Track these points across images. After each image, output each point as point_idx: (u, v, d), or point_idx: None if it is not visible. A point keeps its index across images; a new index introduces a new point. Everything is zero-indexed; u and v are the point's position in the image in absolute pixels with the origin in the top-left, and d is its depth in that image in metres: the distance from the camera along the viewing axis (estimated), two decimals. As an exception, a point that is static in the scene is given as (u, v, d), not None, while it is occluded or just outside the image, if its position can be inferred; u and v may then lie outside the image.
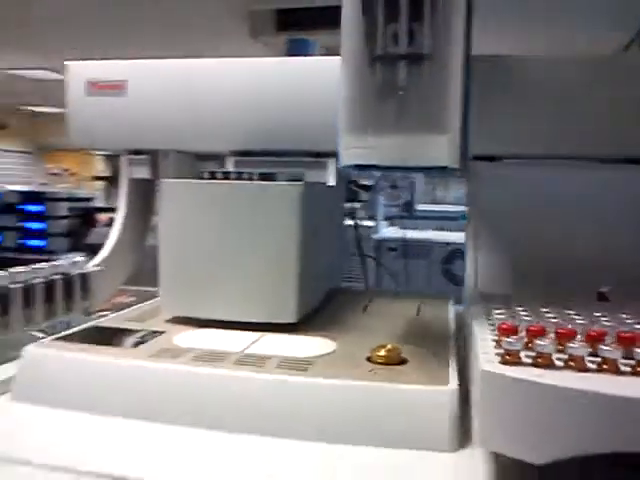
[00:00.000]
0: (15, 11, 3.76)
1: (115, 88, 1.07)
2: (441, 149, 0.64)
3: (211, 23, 3.59)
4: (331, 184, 1.08)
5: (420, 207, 3.83)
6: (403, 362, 0.69)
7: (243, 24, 3.29)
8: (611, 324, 0.61)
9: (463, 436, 0.61)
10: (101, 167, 6.87)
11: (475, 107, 0.87)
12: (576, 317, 0.64)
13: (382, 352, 0.69)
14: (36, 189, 5.34)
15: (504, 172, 0.92)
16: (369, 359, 0.69)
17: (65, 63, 1.11)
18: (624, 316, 0.65)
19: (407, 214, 3.69)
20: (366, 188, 2.77)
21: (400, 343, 0.74)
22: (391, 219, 3.52)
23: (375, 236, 2.95)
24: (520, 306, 0.69)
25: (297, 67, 0.96)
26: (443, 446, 0.59)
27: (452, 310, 0.99)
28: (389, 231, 3.28)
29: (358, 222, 1.35)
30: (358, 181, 2.78)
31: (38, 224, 4.61)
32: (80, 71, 1.08)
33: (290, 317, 0.80)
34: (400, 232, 3.20)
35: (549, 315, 0.65)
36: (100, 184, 5.68)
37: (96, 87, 1.08)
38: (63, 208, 4.60)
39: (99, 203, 4.97)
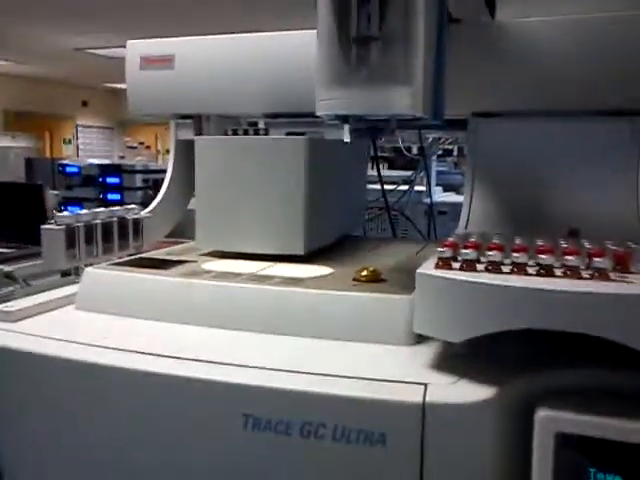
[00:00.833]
0: None
1: (164, 62, 1.25)
2: (405, 99, 0.76)
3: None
4: (346, 140, 1.23)
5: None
6: (382, 281, 0.84)
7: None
8: (543, 244, 0.74)
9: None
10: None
11: (474, 70, 1.00)
12: (519, 242, 0.77)
13: (364, 272, 0.84)
14: (114, 162, 5.69)
15: (500, 126, 1.05)
16: (354, 279, 0.85)
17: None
18: (563, 242, 0.77)
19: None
20: (418, 155, 2.89)
21: (387, 269, 0.88)
22: (445, 186, 3.62)
23: (426, 200, 3.08)
24: (480, 236, 0.82)
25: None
26: (401, 341, 0.74)
27: None
28: (443, 196, 3.39)
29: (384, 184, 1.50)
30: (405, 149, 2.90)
31: (115, 195, 4.94)
32: (136, 48, 1.26)
33: (298, 250, 0.96)
34: (455, 197, 3.32)
35: (497, 240, 0.78)
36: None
37: (148, 62, 1.26)
38: (138, 179, 4.91)
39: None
